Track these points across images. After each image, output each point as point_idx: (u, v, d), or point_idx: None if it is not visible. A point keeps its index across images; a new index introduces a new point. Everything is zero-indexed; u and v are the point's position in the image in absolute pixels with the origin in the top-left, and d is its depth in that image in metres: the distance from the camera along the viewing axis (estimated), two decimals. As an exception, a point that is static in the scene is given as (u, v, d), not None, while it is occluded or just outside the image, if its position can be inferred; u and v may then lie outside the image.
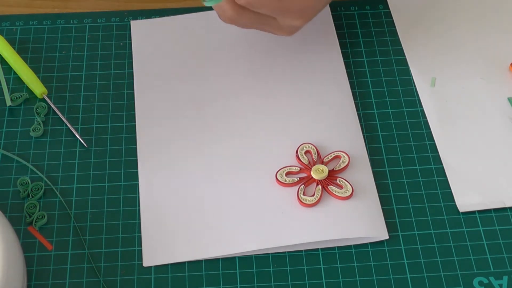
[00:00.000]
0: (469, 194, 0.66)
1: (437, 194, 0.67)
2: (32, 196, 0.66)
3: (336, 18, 0.80)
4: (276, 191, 0.66)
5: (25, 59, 0.75)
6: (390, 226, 0.65)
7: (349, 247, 0.64)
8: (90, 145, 0.70)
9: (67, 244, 0.64)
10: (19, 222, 0.65)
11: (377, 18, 0.80)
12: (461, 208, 0.66)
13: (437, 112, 0.72)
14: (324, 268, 0.62)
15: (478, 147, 0.69)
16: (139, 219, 0.65)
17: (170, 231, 0.64)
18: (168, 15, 0.80)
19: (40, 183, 0.67)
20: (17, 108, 0.73)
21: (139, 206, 0.66)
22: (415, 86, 0.74)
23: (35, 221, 0.64)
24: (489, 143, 0.70)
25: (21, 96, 0.73)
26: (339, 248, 0.63)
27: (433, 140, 0.70)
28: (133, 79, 0.74)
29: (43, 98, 0.73)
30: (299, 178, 0.67)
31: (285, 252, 0.63)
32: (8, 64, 0.75)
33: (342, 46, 0.77)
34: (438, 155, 0.69)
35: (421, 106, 0.73)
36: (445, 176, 0.68)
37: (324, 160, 0.68)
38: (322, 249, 0.63)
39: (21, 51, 0.76)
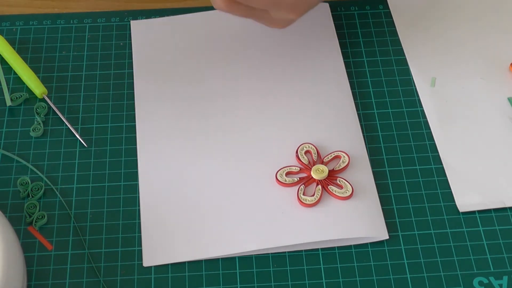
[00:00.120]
0: (469, 194, 0.66)
1: (437, 194, 0.67)
2: (32, 196, 0.66)
3: (336, 18, 0.80)
4: (276, 191, 0.66)
5: (25, 59, 0.75)
6: (390, 226, 0.65)
7: (349, 247, 0.64)
8: (90, 145, 0.70)
9: (67, 244, 0.64)
10: (19, 222, 0.65)
11: (377, 18, 0.80)
12: (461, 208, 0.66)
13: (437, 112, 0.72)
14: (324, 268, 0.62)
15: (478, 147, 0.69)
16: (139, 219, 0.65)
17: (170, 231, 0.64)
18: (168, 15, 0.80)
19: (40, 183, 0.67)
20: (17, 108, 0.73)
21: (139, 206, 0.66)
22: (415, 86, 0.74)
23: (35, 221, 0.64)
24: (489, 143, 0.70)
25: (21, 96, 0.73)
26: (339, 248, 0.63)
27: (433, 140, 0.70)
28: (133, 79, 0.74)
29: (43, 98, 0.73)
30: (299, 178, 0.67)
31: (285, 252, 0.63)
32: (8, 64, 0.75)
33: (342, 46, 0.77)
34: (438, 155, 0.69)
35: (421, 106, 0.73)
36: (445, 176, 0.68)
37: (324, 160, 0.68)
38: (322, 249, 0.63)
39: (21, 51, 0.76)
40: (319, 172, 0.66)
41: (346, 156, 0.68)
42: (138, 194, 0.66)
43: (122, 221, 0.65)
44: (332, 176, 0.67)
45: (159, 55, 0.76)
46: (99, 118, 0.72)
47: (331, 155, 0.68)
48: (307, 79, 0.74)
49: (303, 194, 0.65)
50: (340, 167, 0.67)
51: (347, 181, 0.66)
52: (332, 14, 0.80)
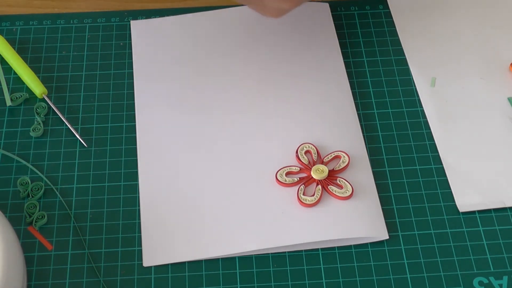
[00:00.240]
0: (469, 194, 0.66)
1: (437, 194, 0.67)
2: (32, 196, 0.66)
3: (336, 18, 0.80)
4: (276, 191, 0.66)
5: (25, 59, 0.75)
6: (390, 226, 0.65)
7: (349, 247, 0.64)
8: (90, 145, 0.70)
9: (67, 244, 0.64)
10: (19, 222, 0.65)
11: (377, 18, 0.80)
12: (461, 208, 0.66)
13: (437, 112, 0.72)
14: (324, 268, 0.62)
15: (478, 147, 0.69)
16: (139, 219, 0.65)
17: (170, 231, 0.64)
18: (168, 15, 0.80)
19: (40, 183, 0.67)
20: (17, 108, 0.73)
21: (139, 206, 0.66)
22: (415, 86, 0.74)
23: (35, 221, 0.64)
24: (489, 143, 0.70)
25: (21, 96, 0.73)
26: (339, 248, 0.63)
27: (433, 140, 0.70)
28: (133, 79, 0.74)
29: (43, 98, 0.73)
30: (299, 178, 0.67)
31: (285, 252, 0.63)
32: (8, 64, 0.75)
33: (342, 46, 0.77)
34: (438, 155, 0.69)
35: (421, 106, 0.73)
36: (445, 176, 0.68)
37: (324, 160, 0.68)
38: (322, 249, 0.63)
39: (21, 51, 0.76)
40: (319, 172, 0.66)
41: (346, 156, 0.68)
42: (138, 194, 0.66)
43: (122, 221, 0.65)
44: (332, 176, 0.67)
45: (159, 55, 0.76)
46: (99, 118, 0.72)
47: (331, 155, 0.68)
48: (307, 79, 0.74)
49: (303, 194, 0.65)
50: (340, 167, 0.67)
51: (347, 181, 0.66)
52: (332, 14, 0.80)
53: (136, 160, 0.69)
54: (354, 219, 0.64)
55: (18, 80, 0.74)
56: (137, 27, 0.79)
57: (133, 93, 0.73)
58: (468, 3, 0.81)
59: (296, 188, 0.66)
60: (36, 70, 0.75)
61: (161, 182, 0.67)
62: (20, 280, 0.57)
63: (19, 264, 0.58)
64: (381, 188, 0.67)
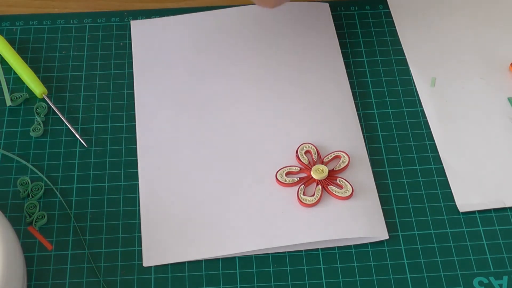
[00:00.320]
0: (469, 194, 0.66)
1: (437, 194, 0.67)
2: (32, 196, 0.66)
3: (336, 18, 0.80)
4: (276, 191, 0.66)
5: (25, 59, 0.75)
6: (390, 226, 0.65)
7: (349, 247, 0.64)
8: (90, 145, 0.70)
9: (67, 244, 0.64)
10: (19, 222, 0.65)
11: (377, 18, 0.80)
12: (461, 208, 0.66)
13: (437, 112, 0.72)
14: (324, 268, 0.62)
15: (478, 147, 0.69)
16: (139, 219, 0.65)
17: (170, 231, 0.64)
18: (168, 15, 0.80)
19: (40, 183, 0.67)
20: (17, 108, 0.73)
21: (139, 206, 0.66)
22: (415, 86, 0.74)
23: (35, 221, 0.64)
24: (489, 143, 0.70)
25: (21, 96, 0.73)
26: (339, 248, 0.63)
27: (433, 140, 0.70)
28: (133, 79, 0.74)
29: (43, 98, 0.73)
30: (299, 178, 0.67)
31: (285, 252, 0.63)
32: (8, 64, 0.75)
33: (342, 46, 0.77)
34: (438, 155, 0.69)
35: (421, 106, 0.73)
36: (445, 176, 0.68)
37: (324, 160, 0.68)
38: (322, 249, 0.63)
39: (21, 51, 0.76)
40: (319, 172, 0.66)
41: (346, 156, 0.68)
42: (138, 194, 0.66)
43: (122, 221, 0.65)
44: (332, 176, 0.67)
45: (159, 55, 0.76)
46: (99, 118, 0.72)
47: (331, 155, 0.68)
48: (307, 79, 0.74)
49: (303, 194, 0.65)
50: (340, 167, 0.67)
51: (347, 181, 0.66)
52: (332, 14, 0.80)
53: (136, 160, 0.69)
54: (354, 219, 0.64)
55: (18, 80, 0.74)
56: (137, 27, 0.79)
57: (133, 93, 0.73)
58: (468, 3, 0.81)
59: (296, 188, 0.66)
60: (36, 70, 0.75)
61: (161, 182, 0.67)
62: (20, 280, 0.57)
63: (19, 264, 0.58)
64: (381, 188, 0.67)
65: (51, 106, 0.72)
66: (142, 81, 0.74)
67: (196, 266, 0.62)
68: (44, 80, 0.74)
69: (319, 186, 0.66)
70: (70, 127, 0.70)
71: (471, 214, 0.66)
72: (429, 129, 0.71)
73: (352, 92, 0.74)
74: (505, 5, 0.81)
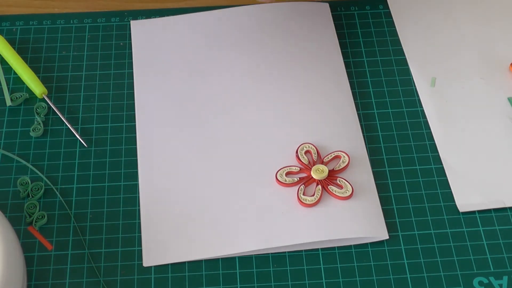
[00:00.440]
0: (469, 194, 0.66)
1: (437, 194, 0.67)
2: (32, 196, 0.66)
3: (336, 18, 0.80)
4: (276, 191, 0.66)
5: (25, 59, 0.75)
6: (390, 226, 0.65)
7: (349, 247, 0.64)
8: (90, 145, 0.70)
9: (67, 244, 0.64)
10: (19, 222, 0.65)
11: (377, 18, 0.80)
12: (461, 208, 0.66)
13: (437, 112, 0.72)
14: (324, 268, 0.62)
15: (478, 147, 0.69)
16: (139, 219, 0.65)
17: (170, 231, 0.64)
18: (168, 15, 0.80)
19: (40, 183, 0.67)
20: (17, 108, 0.73)
21: (139, 206, 0.66)
22: (415, 86, 0.74)
23: (35, 221, 0.64)
24: (489, 143, 0.70)
25: (21, 96, 0.73)
26: (339, 248, 0.63)
27: (433, 140, 0.70)
28: (133, 79, 0.74)
29: (43, 98, 0.73)
30: (299, 178, 0.67)
31: (285, 252, 0.63)
32: (8, 64, 0.75)
33: (342, 46, 0.77)
34: (438, 155, 0.69)
35: (421, 106, 0.73)
36: (445, 176, 0.68)
37: (324, 160, 0.68)
38: (322, 249, 0.63)
39: (21, 51, 0.76)
40: (319, 172, 0.66)
41: (346, 156, 0.68)
42: (138, 194, 0.66)
43: (122, 221, 0.65)
44: (332, 176, 0.67)
45: (159, 55, 0.76)
46: (99, 118, 0.72)
47: (331, 155, 0.68)
48: (307, 79, 0.74)
49: (303, 194, 0.65)
50: (340, 167, 0.67)
51: (347, 181, 0.66)
52: (332, 14, 0.80)
53: (136, 160, 0.68)
54: (354, 219, 0.64)
55: (18, 80, 0.74)
56: (137, 27, 0.79)
57: (133, 93, 0.73)
58: (468, 3, 0.81)
59: (296, 188, 0.66)
60: (36, 70, 0.75)
61: (161, 182, 0.67)
62: (20, 280, 0.57)
63: (19, 264, 0.58)
64: (381, 188, 0.67)
65: (51, 106, 0.72)
66: (142, 81, 0.74)
67: (196, 266, 0.62)
68: (44, 80, 0.74)
69: (319, 186, 0.66)
70: (70, 127, 0.70)
71: (471, 214, 0.66)
72: (429, 129, 0.71)
73: (352, 92, 0.74)
74: (505, 5, 0.81)
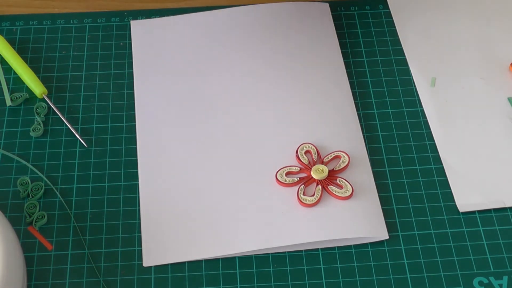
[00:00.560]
0: (469, 194, 0.66)
1: (437, 194, 0.67)
2: (32, 196, 0.66)
3: (336, 18, 0.80)
4: (276, 191, 0.66)
5: (25, 59, 0.75)
6: (390, 226, 0.65)
7: (349, 247, 0.64)
8: (90, 145, 0.70)
9: (67, 244, 0.64)
10: (19, 222, 0.65)
11: (377, 18, 0.80)
12: (461, 208, 0.66)
13: (437, 112, 0.72)
14: (324, 268, 0.62)
15: (478, 147, 0.69)
16: (139, 219, 0.65)
17: (170, 231, 0.64)
18: (168, 15, 0.80)
19: (40, 183, 0.67)
20: (17, 108, 0.73)
21: (139, 206, 0.66)
22: (415, 86, 0.74)
23: (35, 221, 0.64)
24: (489, 143, 0.70)
25: (21, 96, 0.73)
26: (339, 248, 0.63)
27: (433, 140, 0.70)
28: (133, 79, 0.74)
29: (43, 98, 0.73)
30: (299, 178, 0.67)
31: (285, 252, 0.63)
32: (8, 64, 0.75)
33: (342, 46, 0.77)
34: (438, 155, 0.69)
35: (421, 106, 0.73)
36: (445, 176, 0.68)
37: (324, 160, 0.68)
38: (322, 249, 0.63)
39: (21, 51, 0.76)
40: (319, 172, 0.66)
41: (346, 156, 0.68)
42: (138, 194, 0.66)
43: (122, 221, 0.65)
44: (332, 176, 0.67)
45: (159, 55, 0.76)
46: (99, 118, 0.72)
47: (331, 155, 0.68)
48: (307, 79, 0.74)
49: (303, 194, 0.65)
50: (340, 167, 0.67)
51: (347, 181, 0.66)
52: (332, 14, 0.80)
53: (136, 160, 0.68)
54: (354, 219, 0.64)
55: (18, 80, 0.74)
56: (137, 27, 0.79)
57: (133, 93, 0.73)
58: (468, 3, 0.81)
59: (296, 188, 0.66)
60: (36, 70, 0.75)
61: (161, 182, 0.67)
62: (20, 280, 0.57)
63: (19, 264, 0.58)
64: (381, 188, 0.67)
65: (51, 106, 0.72)
66: (142, 81, 0.74)
67: (196, 266, 0.62)
68: (44, 80, 0.74)
69: (319, 186, 0.66)
70: (70, 127, 0.70)
71: (471, 214, 0.66)
72: (429, 129, 0.71)
73: (352, 92, 0.74)
74: (505, 5, 0.81)
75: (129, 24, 0.79)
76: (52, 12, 0.80)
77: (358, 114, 0.72)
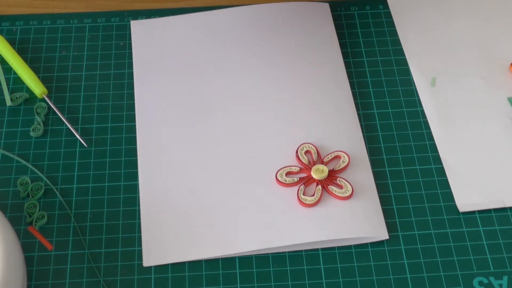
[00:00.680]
0: (469, 194, 0.66)
1: (437, 194, 0.67)
2: (32, 196, 0.66)
3: (336, 18, 0.80)
4: (276, 191, 0.66)
5: (25, 59, 0.75)
6: (390, 226, 0.65)
7: (349, 247, 0.64)
8: (90, 145, 0.70)
9: (67, 244, 0.64)
10: (19, 222, 0.65)
11: (377, 18, 0.80)
12: (461, 208, 0.66)
13: (437, 112, 0.72)
14: (324, 268, 0.62)
15: (478, 147, 0.69)
16: (139, 219, 0.65)
17: (170, 231, 0.64)
18: (168, 15, 0.80)
19: (40, 183, 0.67)
20: (17, 108, 0.73)
21: (139, 206, 0.66)
22: (415, 86, 0.74)
23: (35, 221, 0.64)
24: (489, 143, 0.70)
25: (21, 96, 0.73)
26: (339, 248, 0.63)
27: (433, 140, 0.70)
28: (133, 79, 0.74)
29: (43, 98, 0.73)
30: (299, 178, 0.67)
31: (285, 252, 0.63)
32: (8, 64, 0.75)
33: (342, 46, 0.77)
34: (438, 155, 0.69)
35: (421, 106, 0.73)
36: (445, 176, 0.68)
37: (324, 160, 0.68)
38: (322, 249, 0.63)
39: (21, 51, 0.76)
40: (319, 172, 0.66)
41: (346, 156, 0.68)
42: (138, 194, 0.66)
43: (122, 221, 0.65)
44: (332, 176, 0.67)
45: (159, 55, 0.76)
46: (99, 118, 0.72)
47: (331, 155, 0.68)
48: (307, 79, 0.74)
49: (303, 194, 0.65)
50: (340, 167, 0.67)
51: (347, 181, 0.66)
52: (332, 14, 0.80)
53: (136, 160, 0.69)
54: (354, 219, 0.64)
55: (18, 80, 0.74)
56: (137, 27, 0.79)
57: (133, 93, 0.73)
58: (469, 3, 0.81)
59: (296, 188, 0.66)
60: (36, 70, 0.75)
61: (161, 182, 0.67)
62: (20, 280, 0.57)
63: (19, 264, 0.58)
64: (381, 188, 0.67)
65: (51, 106, 0.72)
66: (142, 81, 0.74)
67: (196, 266, 0.62)
68: (44, 80, 0.74)
69: (319, 186, 0.66)
70: (70, 127, 0.70)
71: (471, 214, 0.66)
72: (429, 129, 0.71)
73: (352, 92, 0.74)
74: (505, 6, 0.81)
75: (129, 24, 0.79)
76: (52, 12, 0.80)
77: (358, 114, 0.72)
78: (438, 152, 0.69)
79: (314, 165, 0.67)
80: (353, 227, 0.64)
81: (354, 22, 0.80)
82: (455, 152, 0.69)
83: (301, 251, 0.63)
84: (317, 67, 0.75)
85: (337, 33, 0.78)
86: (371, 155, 0.69)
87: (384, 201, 0.66)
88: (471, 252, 0.63)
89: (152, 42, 0.77)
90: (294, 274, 0.62)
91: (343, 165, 0.67)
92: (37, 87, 0.73)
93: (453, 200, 0.66)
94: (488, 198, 0.66)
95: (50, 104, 0.72)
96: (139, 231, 0.64)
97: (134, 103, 0.73)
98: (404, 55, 0.77)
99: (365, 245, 0.64)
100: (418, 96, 0.74)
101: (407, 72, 0.75)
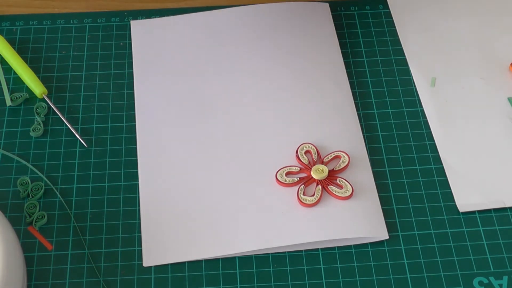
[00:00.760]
0: (469, 194, 0.66)
1: (437, 194, 0.67)
2: (32, 196, 0.66)
3: (336, 18, 0.80)
4: (276, 191, 0.66)
5: (25, 59, 0.75)
6: (390, 226, 0.65)
7: (349, 247, 0.64)
8: (90, 145, 0.70)
9: (67, 244, 0.64)
10: (19, 222, 0.65)
11: (377, 18, 0.80)
12: (461, 208, 0.66)
13: (437, 112, 0.72)
14: (324, 268, 0.62)
15: (478, 147, 0.69)
16: (139, 219, 0.65)
17: (170, 231, 0.64)
18: (168, 15, 0.80)
19: (40, 183, 0.67)
20: (17, 108, 0.73)
21: (139, 206, 0.66)
22: (415, 86, 0.74)
23: (35, 221, 0.64)
24: (489, 143, 0.70)
25: (21, 96, 0.73)
26: (339, 248, 0.63)
27: (433, 140, 0.70)
28: (133, 79, 0.74)
29: (43, 98, 0.73)
30: (299, 178, 0.67)
31: (285, 252, 0.63)
32: (8, 64, 0.75)
33: (342, 46, 0.77)
34: (438, 155, 0.69)
35: (421, 106, 0.73)
36: (445, 176, 0.68)
37: (324, 160, 0.68)
38: (322, 249, 0.63)
39: (21, 51, 0.76)
40: (319, 172, 0.66)
41: (346, 156, 0.68)
42: (138, 194, 0.66)
43: (122, 221, 0.65)
44: (332, 176, 0.67)
45: (159, 55, 0.76)
46: (99, 118, 0.72)
47: (331, 155, 0.68)
48: (307, 79, 0.74)
49: (303, 194, 0.65)
50: (340, 167, 0.67)
51: (347, 181, 0.66)
52: (332, 14, 0.80)
53: (136, 160, 0.68)
54: (354, 219, 0.64)
55: (18, 80, 0.74)
56: (137, 27, 0.79)
57: (133, 93, 0.73)
58: (468, 3, 0.81)
59: (296, 188, 0.66)
60: (36, 70, 0.75)
61: (161, 182, 0.67)
62: (20, 280, 0.57)
63: (19, 264, 0.58)
64: (381, 188, 0.67)
65: (51, 106, 0.72)
66: (142, 81, 0.74)
67: (196, 266, 0.63)
68: (44, 80, 0.74)
69: (319, 186, 0.66)
70: (70, 127, 0.70)
71: (471, 214, 0.66)
72: (429, 129, 0.71)
73: (352, 92, 0.74)
74: (505, 6, 0.81)
75: (129, 24, 0.79)
76: (52, 12, 0.80)
77: (358, 114, 0.72)
78: (438, 152, 0.69)
79: (314, 165, 0.67)
80: (353, 227, 0.64)
81: (354, 22, 0.80)
82: (455, 152, 0.69)
83: (301, 251, 0.63)
84: (317, 67, 0.75)
85: (337, 33, 0.78)
86: (371, 155, 0.69)
87: (384, 201, 0.66)
88: (471, 252, 0.63)
89: (152, 42, 0.77)
90: (294, 274, 0.62)
91: (343, 165, 0.67)
92: (37, 87, 0.73)
93: (453, 200, 0.66)
94: (488, 198, 0.66)
95: (50, 104, 0.72)
96: (139, 231, 0.64)
97: (134, 103, 0.73)
98: (404, 55, 0.77)
99: (365, 245, 0.64)
100: (418, 96, 0.74)
101: (407, 72, 0.75)
